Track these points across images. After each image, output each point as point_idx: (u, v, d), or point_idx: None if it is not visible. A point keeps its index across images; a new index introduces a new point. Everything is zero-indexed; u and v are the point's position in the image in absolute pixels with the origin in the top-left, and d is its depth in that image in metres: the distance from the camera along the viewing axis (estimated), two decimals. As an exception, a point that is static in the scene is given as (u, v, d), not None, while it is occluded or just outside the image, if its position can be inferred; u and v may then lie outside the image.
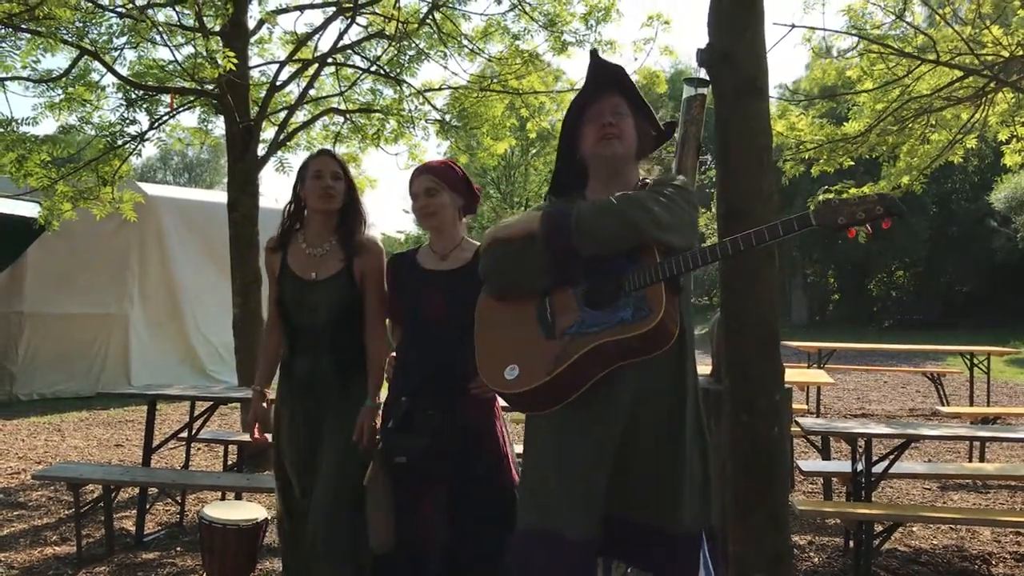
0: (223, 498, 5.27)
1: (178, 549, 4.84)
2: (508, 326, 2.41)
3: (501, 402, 3.17)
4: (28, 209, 9.26)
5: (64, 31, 5.84)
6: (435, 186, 3.10)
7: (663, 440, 2.29)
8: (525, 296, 2.39)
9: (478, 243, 3.17)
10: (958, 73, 6.00)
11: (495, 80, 7.04)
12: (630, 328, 2.16)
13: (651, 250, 2.25)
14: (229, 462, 5.97)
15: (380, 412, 3.14)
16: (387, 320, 3.32)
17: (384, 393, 3.20)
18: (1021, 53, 5.76)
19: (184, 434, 5.86)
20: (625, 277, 2.25)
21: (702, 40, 3.36)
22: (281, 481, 3.28)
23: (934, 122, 6.78)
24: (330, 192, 3.22)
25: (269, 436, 3.37)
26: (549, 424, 2.36)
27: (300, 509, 3.19)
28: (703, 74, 3.37)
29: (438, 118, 7.35)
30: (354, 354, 3.24)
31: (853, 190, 7.02)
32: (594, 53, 2.55)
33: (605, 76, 2.51)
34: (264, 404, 3.36)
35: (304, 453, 3.18)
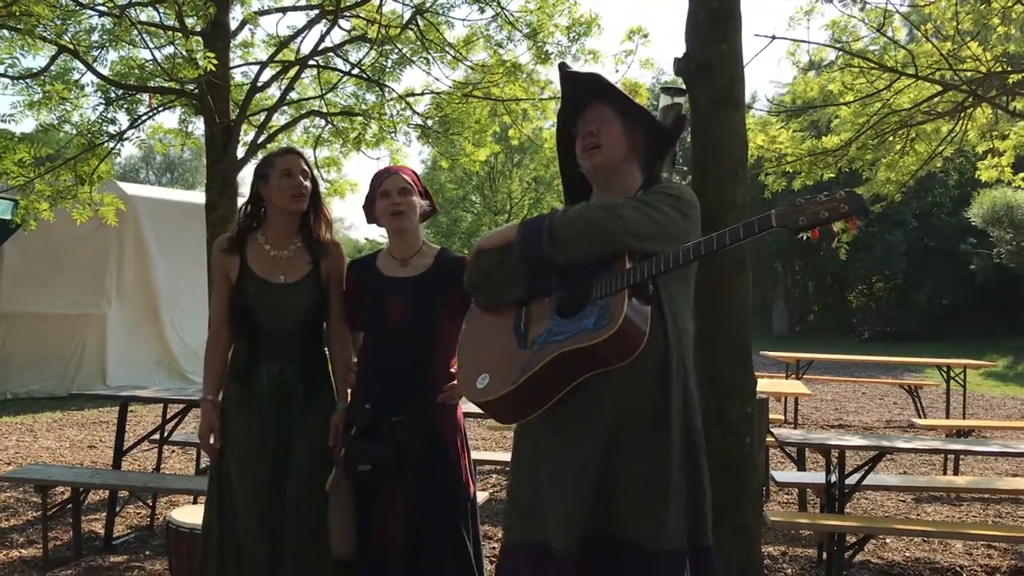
0: (195, 502, 5.21)
1: (147, 553, 4.79)
2: (489, 336, 2.41)
3: (466, 408, 3.17)
4: (2, 207, 9.19)
5: (43, 28, 5.78)
6: (408, 186, 3.09)
7: (646, 456, 2.24)
8: (508, 305, 2.39)
9: (438, 247, 3.17)
10: (938, 88, 6.05)
11: (477, 87, 7.03)
12: (590, 337, 2.13)
13: (623, 258, 2.21)
14: (202, 465, 5.92)
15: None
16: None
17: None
18: (999, 69, 5.82)
19: (156, 436, 5.81)
20: (594, 285, 2.23)
21: (682, 49, 3.37)
22: (220, 492, 3.11)
23: (914, 135, 6.83)
24: (303, 191, 3.10)
25: None
26: (534, 438, 2.36)
27: (237, 522, 3.05)
28: (680, 83, 3.37)
29: (420, 123, 7.33)
30: (318, 360, 3.18)
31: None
32: (563, 67, 2.51)
33: (580, 88, 2.49)
34: (216, 414, 3.13)
35: (269, 463, 3.03)
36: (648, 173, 2.47)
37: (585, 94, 2.47)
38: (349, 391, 3.15)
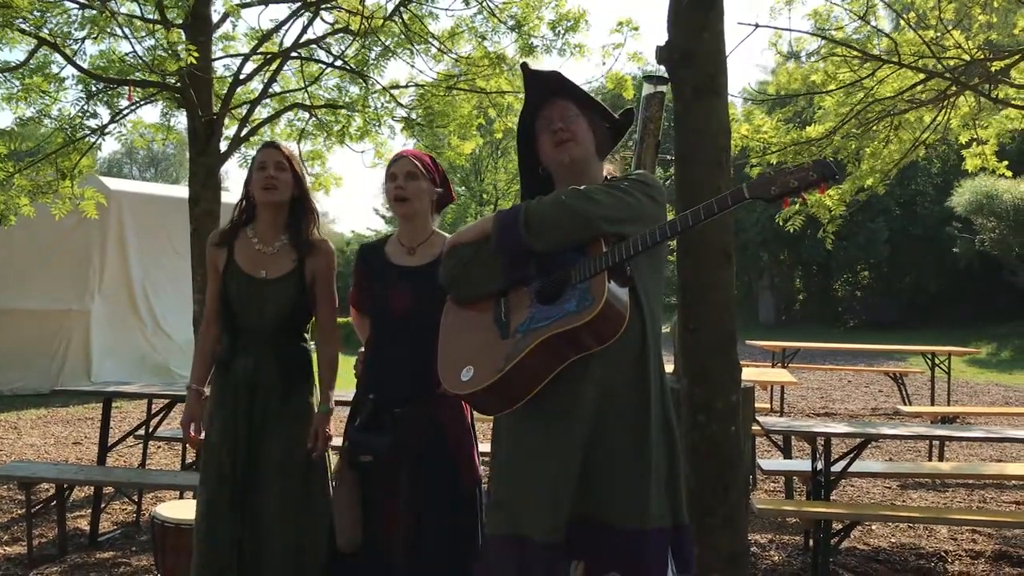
0: (181, 497, 5.20)
1: (133, 549, 4.77)
2: (469, 329, 2.41)
3: None
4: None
5: (21, 21, 5.72)
6: (416, 171, 3.04)
7: (629, 438, 2.27)
8: (485, 299, 2.40)
9: (448, 236, 3.14)
10: (921, 76, 6.06)
11: (462, 79, 6.99)
12: (574, 319, 2.14)
13: (599, 242, 2.24)
14: (187, 460, 5.89)
15: (333, 416, 3.11)
16: (353, 311, 3.26)
17: (352, 389, 3.15)
18: (981, 57, 5.83)
19: (141, 432, 5.77)
20: (572, 270, 2.25)
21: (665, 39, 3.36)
22: (207, 484, 3.12)
23: (897, 124, 6.84)
24: (273, 183, 3.09)
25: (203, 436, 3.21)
26: (514, 429, 2.36)
27: (220, 514, 3.06)
28: (663, 72, 3.36)
29: (404, 115, 7.29)
30: (298, 356, 3.17)
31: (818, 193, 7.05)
32: (525, 66, 2.56)
33: (544, 85, 2.52)
34: (200, 403, 3.17)
35: (240, 454, 3.05)
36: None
37: (546, 91, 2.51)
38: (357, 380, 3.13)
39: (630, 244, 2.20)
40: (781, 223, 7.25)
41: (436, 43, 6.84)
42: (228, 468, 3.05)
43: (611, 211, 2.25)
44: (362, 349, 3.16)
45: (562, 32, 6.65)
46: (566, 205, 2.26)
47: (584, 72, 19.74)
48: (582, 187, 2.31)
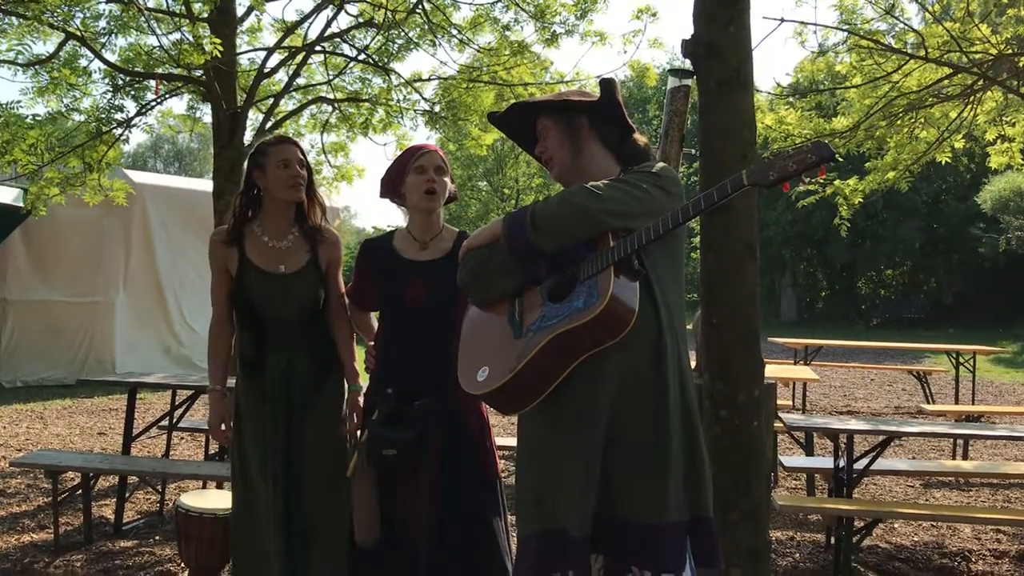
0: (204, 487, 5.24)
1: (157, 538, 4.81)
2: (486, 330, 2.43)
3: None
4: (12, 195, 9.21)
5: (50, 15, 5.78)
6: (443, 166, 3.08)
7: (646, 432, 2.26)
8: (502, 300, 2.42)
9: (457, 230, 3.16)
10: (947, 70, 5.99)
11: (484, 71, 7.00)
12: (580, 316, 2.14)
13: (606, 238, 2.24)
14: (210, 451, 5.94)
15: (363, 399, 3.13)
16: (352, 307, 3.27)
17: (364, 384, 3.16)
18: (1009, 51, 5.76)
19: (165, 422, 5.82)
20: (580, 267, 2.25)
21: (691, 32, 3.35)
22: (242, 480, 3.15)
23: (923, 119, 6.77)
24: (301, 181, 3.10)
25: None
26: (536, 426, 2.36)
27: (259, 510, 3.09)
28: (688, 65, 3.35)
29: (426, 108, 7.32)
30: (326, 347, 3.19)
31: (837, 183, 7.04)
32: (490, 117, 2.66)
33: (517, 122, 2.57)
34: (225, 402, 3.16)
35: (279, 451, 3.06)
36: (619, 151, 2.49)
37: (529, 123, 2.54)
38: (368, 375, 3.14)
39: (634, 238, 2.18)
40: (795, 200, 7.23)
41: (458, 33, 6.85)
42: (276, 468, 3.06)
43: (615, 205, 2.23)
44: (372, 343, 3.17)
45: (581, 14, 6.64)
46: (571, 203, 2.26)
47: (606, 61, 19.73)
48: (590, 184, 2.30)
